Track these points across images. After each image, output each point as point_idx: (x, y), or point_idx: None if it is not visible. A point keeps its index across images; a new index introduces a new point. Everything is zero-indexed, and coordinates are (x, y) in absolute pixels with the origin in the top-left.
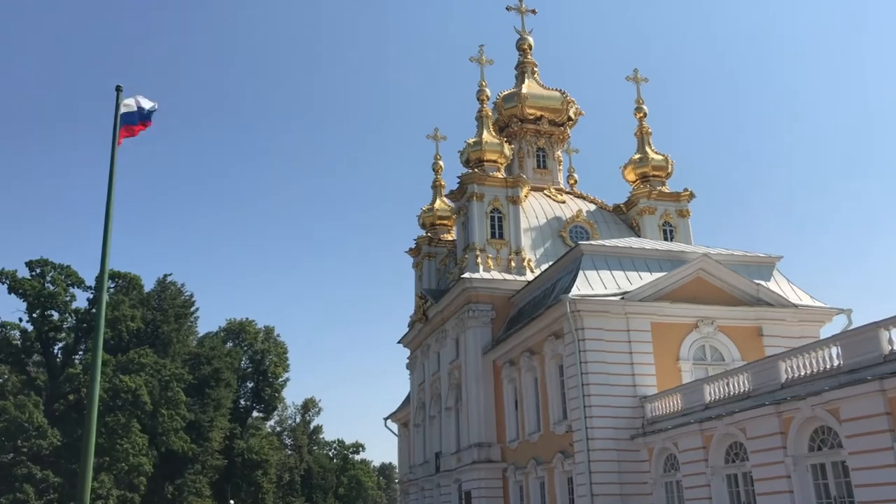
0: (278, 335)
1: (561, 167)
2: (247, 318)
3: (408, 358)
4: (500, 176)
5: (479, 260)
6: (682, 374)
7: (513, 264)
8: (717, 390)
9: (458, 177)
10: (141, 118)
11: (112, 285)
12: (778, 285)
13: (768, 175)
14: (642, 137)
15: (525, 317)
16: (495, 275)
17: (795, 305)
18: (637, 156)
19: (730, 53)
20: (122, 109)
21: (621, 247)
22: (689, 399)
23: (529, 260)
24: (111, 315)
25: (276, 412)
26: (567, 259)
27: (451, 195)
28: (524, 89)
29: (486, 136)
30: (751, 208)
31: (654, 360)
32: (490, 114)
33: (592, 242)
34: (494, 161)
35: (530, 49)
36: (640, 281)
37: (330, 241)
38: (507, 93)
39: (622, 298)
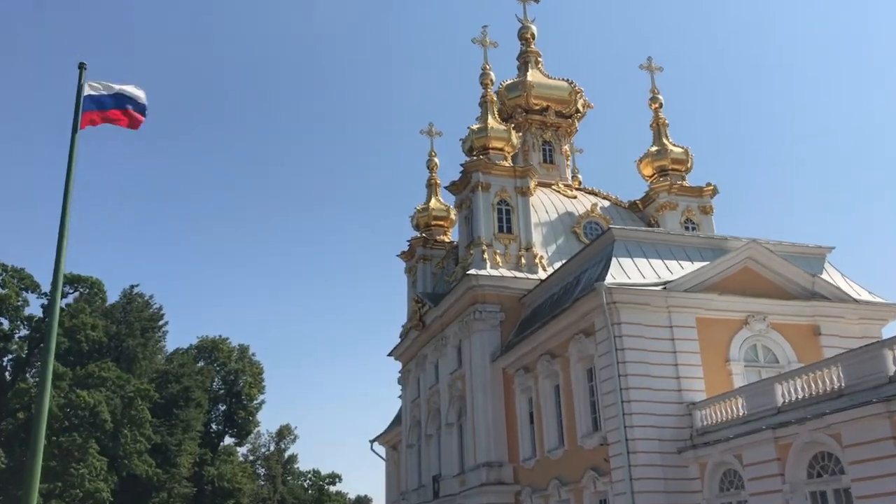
0: (253, 354)
1: (569, 162)
2: (220, 336)
3: (399, 372)
4: (507, 164)
5: (486, 256)
6: (732, 377)
7: (523, 261)
8: (794, 390)
9: (462, 164)
10: (137, 108)
11: (71, 290)
12: (831, 279)
13: (788, 168)
14: (658, 129)
15: (541, 317)
16: (504, 272)
17: (856, 300)
18: (654, 148)
19: (747, 36)
20: (89, 91)
21: (658, 232)
22: (754, 402)
23: (541, 257)
24: (69, 323)
25: (249, 437)
26: (595, 247)
27: (453, 186)
28: (529, 77)
29: (491, 122)
30: (772, 203)
31: (701, 360)
32: (495, 99)
33: (625, 227)
34: (501, 149)
35: (533, 38)
36: (682, 270)
37: (311, 254)
38: (510, 82)
39: (664, 288)
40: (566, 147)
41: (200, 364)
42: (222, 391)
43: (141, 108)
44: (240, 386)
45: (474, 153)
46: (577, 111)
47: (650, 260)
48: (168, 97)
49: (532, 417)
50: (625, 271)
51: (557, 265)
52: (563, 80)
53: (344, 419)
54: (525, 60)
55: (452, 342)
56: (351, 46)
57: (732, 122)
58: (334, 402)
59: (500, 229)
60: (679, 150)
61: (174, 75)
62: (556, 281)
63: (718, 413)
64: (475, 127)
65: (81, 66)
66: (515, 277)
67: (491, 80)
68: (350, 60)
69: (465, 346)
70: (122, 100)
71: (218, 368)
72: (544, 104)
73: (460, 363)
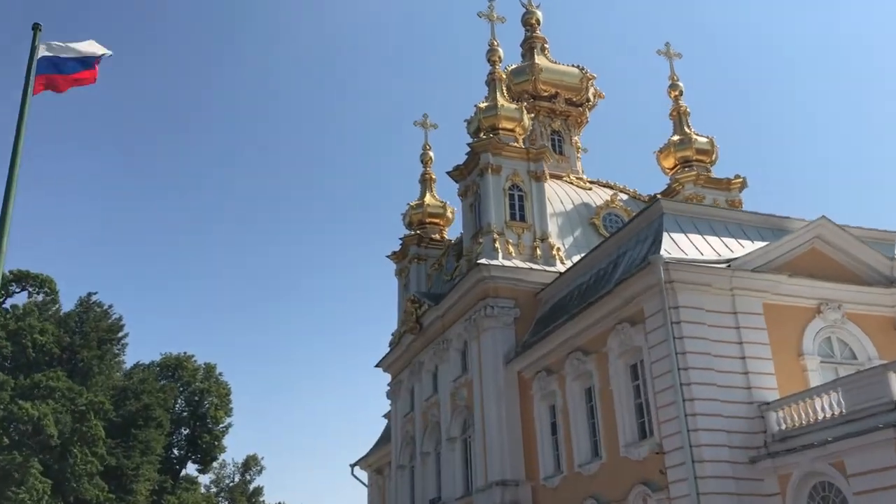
0: (220, 373)
1: (580, 154)
2: (184, 353)
3: (389, 385)
4: (519, 146)
5: (498, 245)
6: (807, 374)
7: (538, 252)
8: None
9: (469, 144)
10: (84, 66)
11: (17, 289)
12: None
13: (814, 163)
14: (679, 118)
15: (565, 312)
16: (519, 263)
17: None
18: (676, 137)
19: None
20: (44, 53)
21: (712, 207)
22: (857, 397)
23: (558, 248)
24: (14, 326)
25: (214, 466)
26: (639, 222)
27: (456, 172)
28: (538, 60)
29: (500, 100)
30: (798, 200)
31: (772, 353)
32: (503, 76)
33: (675, 200)
34: (511, 131)
35: (538, 24)
36: (742, 249)
37: (286, 262)
38: (517, 66)
39: (729, 266)
40: (576, 138)
41: (163, 382)
42: (185, 413)
43: (90, 63)
44: (205, 408)
45: (482, 134)
46: (588, 100)
47: (705, 237)
48: (140, 91)
49: (554, 427)
50: (680, 248)
51: (576, 258)
52: (573, 66)
53: (321, 442)
54: (530, 46)
55: (455, 345)
56: (329, 22)
57: (747, 112)
58: (310, 424)
59: (513, 217)
60: (704, 139)
61: (141, 62)
62: (583, 270)
63: (803, 414)
64: (483, 105)
65: (36, 28)
66: (532, 269)
67: (499, 57)
68: (329, 39)
69: (472, 348)
70: (82, 60)
71: (182, 388)
72: (553, 91)
73: (465, 368)
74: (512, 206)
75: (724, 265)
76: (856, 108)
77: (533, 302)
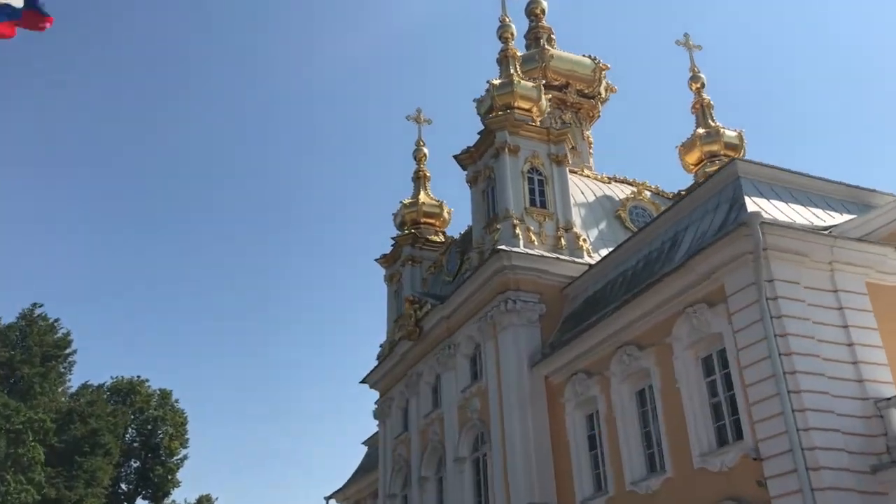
0: (177, 401)
1: (591, 150)
2: (138, 377)
3: (376, 403)
4: (538, 126)
5: (519, 231)
6: None
7: (563, 243)
8: None
9: (484, 120)
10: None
11: None
12: None
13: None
14: (703, 111)
15: (604, 305)
16: (545, 253)
17: None
18: (702, 130)
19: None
20: None
21: (793, 172)
22: None
23: (584, 239)
24: None
25: (167, 500)
26: (709, 188)
27: (466, 156)
28: (547, 47)
29: (515, 77)
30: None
31: (882, 340)
32: (517, 54)
33: (752, 160)
34: (528, 111)
35: (543, 14)
36: (832, 220)
37: (250, 278)
38: (525, 53)
39: (829, 234)
40: (587, 132)
41: (114, 407)
42: (137, 443)
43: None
44: (158, 437)
45: (497, 113)
46: (600, 94)
47: (790, 205)
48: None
49: (593, 440)
50: (768, 214)
51: (604, 252)
52: (586, 56)
53: (291, 474)
54: (536, 37)
55: (464, 349)
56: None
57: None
58: (278, 455)
59: (532, 203)
60: (732, 133)
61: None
62: (624, 257)
63: None
64: (496, 81)
65: None
66: (559, 260)
67: (511, 34)
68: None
69: (488, 351)
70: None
71: (133, 415)
72: (564, 80)
73: (476, 376)
74: (531, 192)
75: (824, 232)
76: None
77: (558, 298)
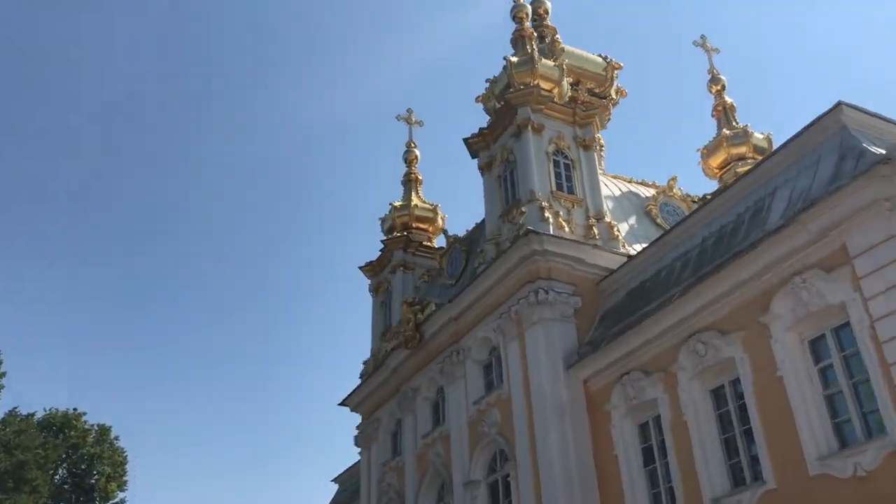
0: (117, 437)
1: (603, 152)
2: (73, 410)
3: (358, 428)
4: (563, 105)
5: (548, 214)
6: None
7: (595, 232)
8: None
9: (504, 97)
10: None
11: None
12: None
13: None
14: (725, 113)
15: (657, 295)
16: (580, 240)
17: None
18: (728, 132)
19: None
20: None
21: None
22: None
23: (618, 229)
24: None
25: None
26: (809, 139)
27: (479, 138)
28: (558, 40)
29: (536, 54)
30: None
31: None
32: (533, 34)
33: (858, 106)
34: (549, 92)
35: (546, 14)
36: None
37: (201, 294)
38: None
39: None
40: (598, 135)
41: (45, 439)
42: (68, 485)
43: None
44: (94, 478)
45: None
46: (611, 95)
47: None
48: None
49: (649, 453)
50: None
51: (638, 247)
52: (597, 54)
53: None
54: (541, 35)
55: (476, 354)
56: None
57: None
58: (232, 500)
59: (559, 188)
60: (761, 135)
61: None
62: (681, 239)
63: None
64: (515, 59)
65: None
66: (597, 248)
67: (526, 14)
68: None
69: (512, 352)
70: None
71: (67, 452)
72: (575, 78)
73: (493, 384)
74: (558, 176)
75: None
76: None
77: (593, 293)
